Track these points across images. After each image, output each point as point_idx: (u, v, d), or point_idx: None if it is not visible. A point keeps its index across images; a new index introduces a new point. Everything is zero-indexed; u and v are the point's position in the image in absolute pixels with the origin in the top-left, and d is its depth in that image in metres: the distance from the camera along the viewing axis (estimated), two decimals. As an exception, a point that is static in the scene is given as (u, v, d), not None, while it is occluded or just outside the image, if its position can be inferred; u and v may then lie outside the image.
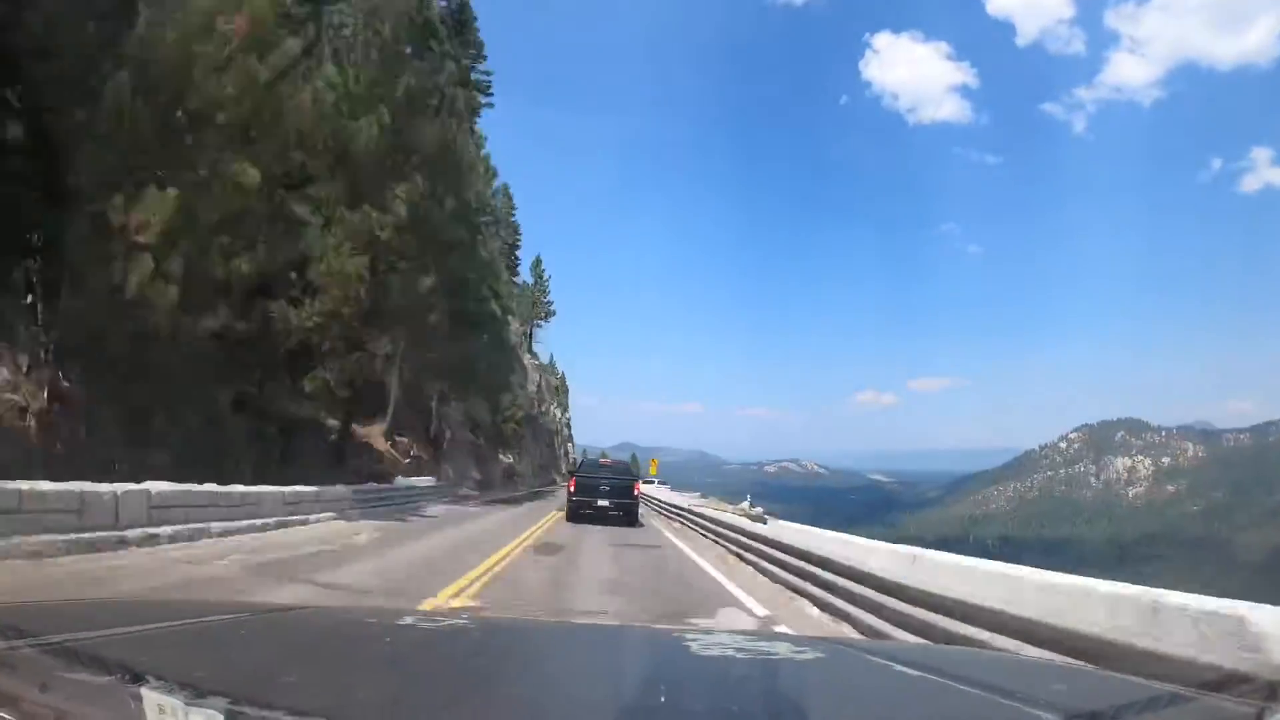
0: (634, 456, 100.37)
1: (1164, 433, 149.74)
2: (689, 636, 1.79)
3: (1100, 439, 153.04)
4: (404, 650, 1.49)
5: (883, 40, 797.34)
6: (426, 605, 5.83)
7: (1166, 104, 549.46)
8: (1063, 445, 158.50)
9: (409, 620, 1.93)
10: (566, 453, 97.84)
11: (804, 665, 1.53)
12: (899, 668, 1.49)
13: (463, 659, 1.45)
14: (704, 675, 1.44)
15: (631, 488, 17.38)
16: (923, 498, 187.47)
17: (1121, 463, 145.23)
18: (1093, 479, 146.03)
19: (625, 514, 16.55)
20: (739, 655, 1.55)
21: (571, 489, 16.95)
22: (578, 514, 16.23)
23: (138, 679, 0.88)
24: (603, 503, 16.33)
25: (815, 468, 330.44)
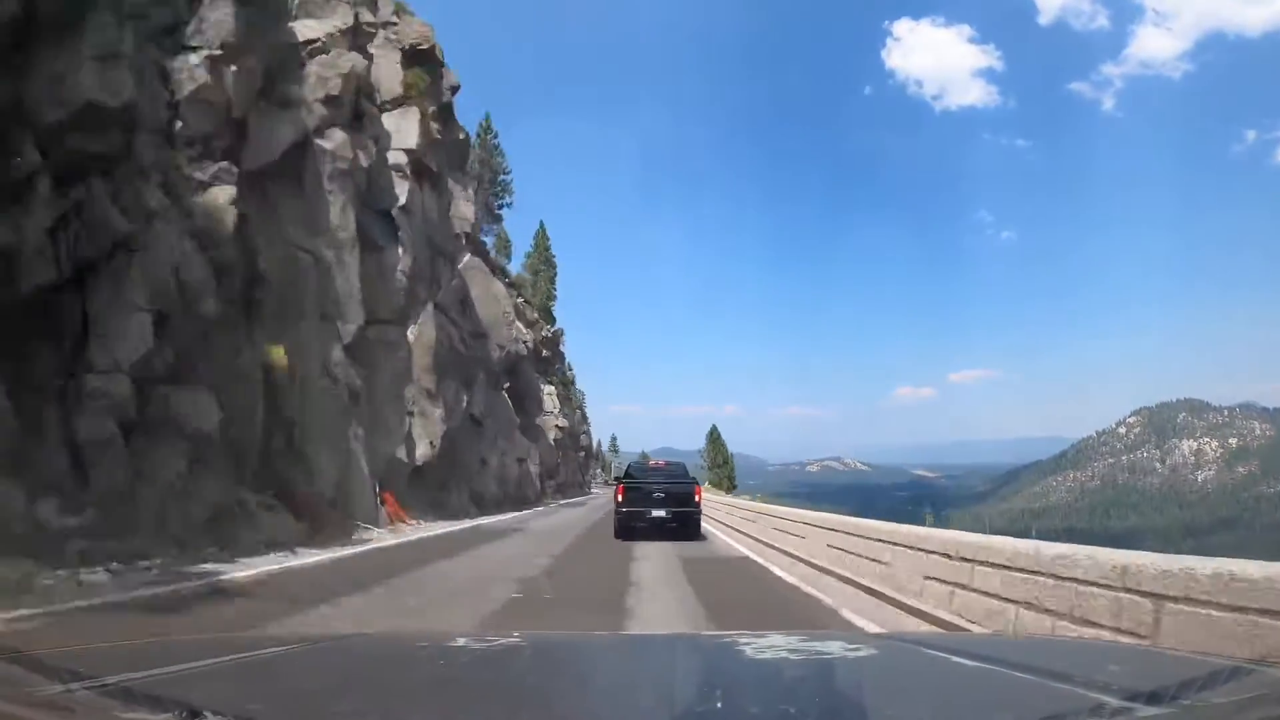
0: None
1: (1226, 412, 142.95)
2: (742, 641, 1.82)
3: (1160, 422, 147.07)
4: (456, 672, 1.51)
5: (903, 27, 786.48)
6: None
7: (1196, 76, 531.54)
8: (1121, 431, 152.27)
9: (461, 642, 1.92)
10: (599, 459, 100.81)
11: (859, 663, 1.57)
12: (955, 659, 1.51)
13: (516, 678, 1.47)
14: (758, 679, 1.46)
15: (692, 494, 15.02)
16: (971, 491, 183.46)
17: (1187, 445, 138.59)
18: (1158, 464, 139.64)
19: (684, 525, 14.34)
20: (793, 657, 1.63)
21: (619, 499, 14.52)
22: (629, 528, 14.03)
23: (195, 715, 0.91)
24: (658, 513, 14.14)
25: (858, 465, 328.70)
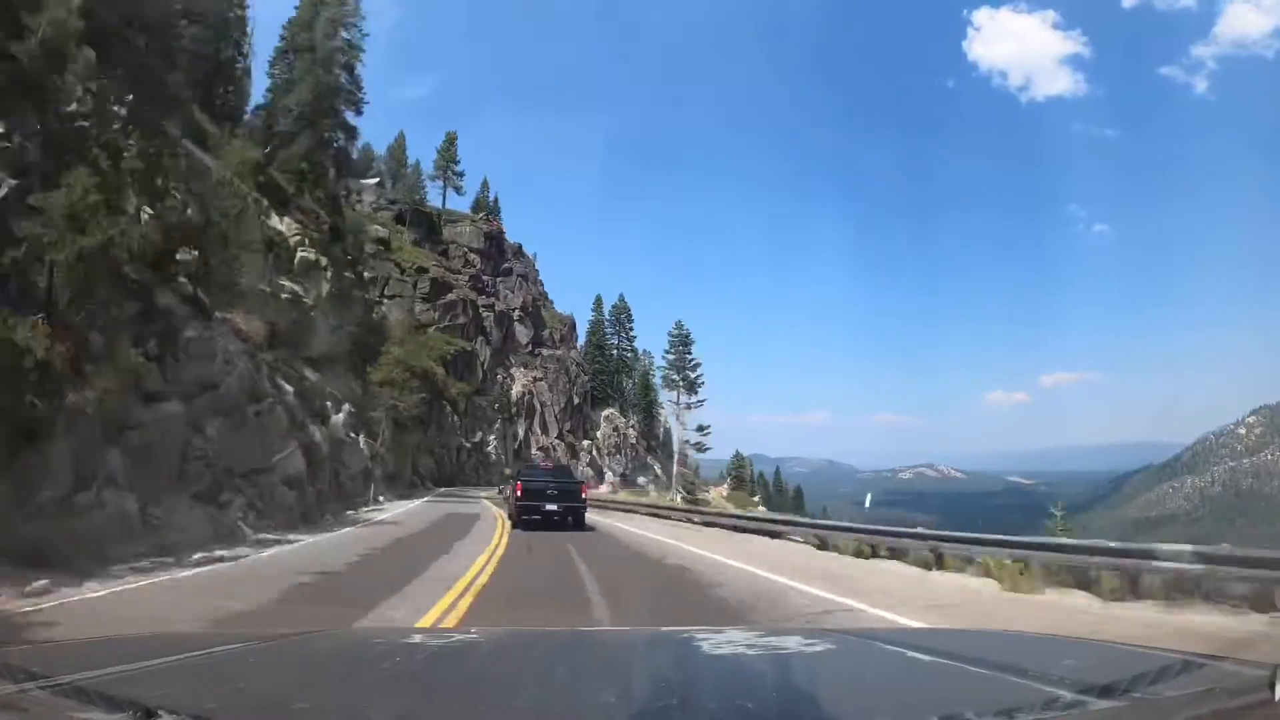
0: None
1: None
2: (700, 636, 1.85)
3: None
4: (415, 668, 1.49)
5: (983, 16, 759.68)
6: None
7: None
8: (1241, 432, 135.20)
9: (417, 638, 2.02)
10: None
11: (816, 657, 1.60)
12: (911, 654, 1.51)
13: (475, 673, 1.49)
14: (716, 674, 1.48)
15: (579, 491, 17.10)
16: (1073, 499, 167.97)
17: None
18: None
19: (572, 517, 16.20)
20: (750, 652, 1.66)
21: (518, 495, 16.19)
22: (526, 520, 15.64)
23: (149, 715, 0.90)
24: (551, 507, 15.94)
25: (951, 472, 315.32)
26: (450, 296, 69.20)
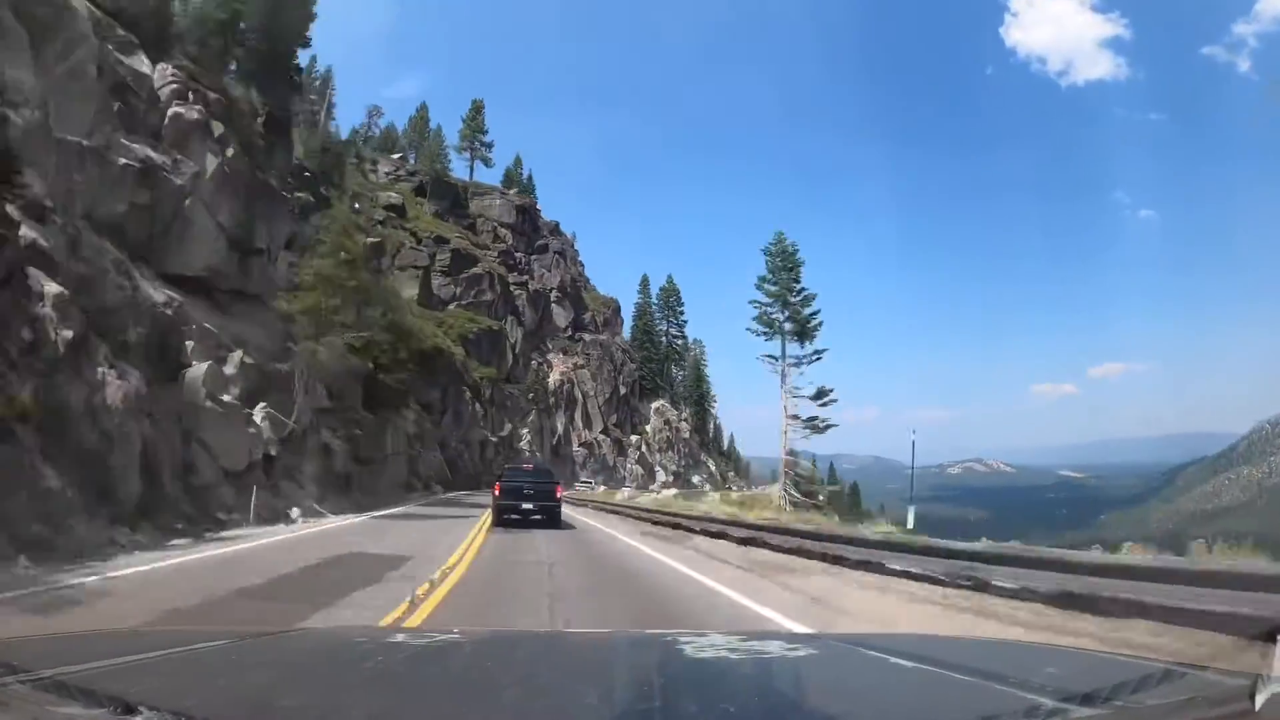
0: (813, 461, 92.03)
1: None
2: (682, 640, 1.81)
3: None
4: (397, 667, 1.46)
5: (1020, 1, 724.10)
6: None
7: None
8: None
9: (400, 638, 1.93)
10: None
11: (798, 662, 1.60)
12: (894, 660, 1.50)
13: (456, 673, 1.47)
14: (699, 677, 1.46)
15: (554, 491, 17.13)
16: (1126, 492, 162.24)
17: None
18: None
19: (547, 515, 16.31)
20: (733, 656, 1.64)
21: (496, 494, 16.81)
22: (503, 519, 15.97)
23: (130, 710, 0.89)
24: (527, 505, 16.18)
25: (1001, 466, 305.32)
26: (475, 270, 60.27)
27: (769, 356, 30.70)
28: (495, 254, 67.35)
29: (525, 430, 59.88)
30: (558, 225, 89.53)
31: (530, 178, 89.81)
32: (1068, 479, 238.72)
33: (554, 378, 68.71)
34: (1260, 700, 0.98)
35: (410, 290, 50.65)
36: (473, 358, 51.72)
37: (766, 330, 30.27)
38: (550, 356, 71.15)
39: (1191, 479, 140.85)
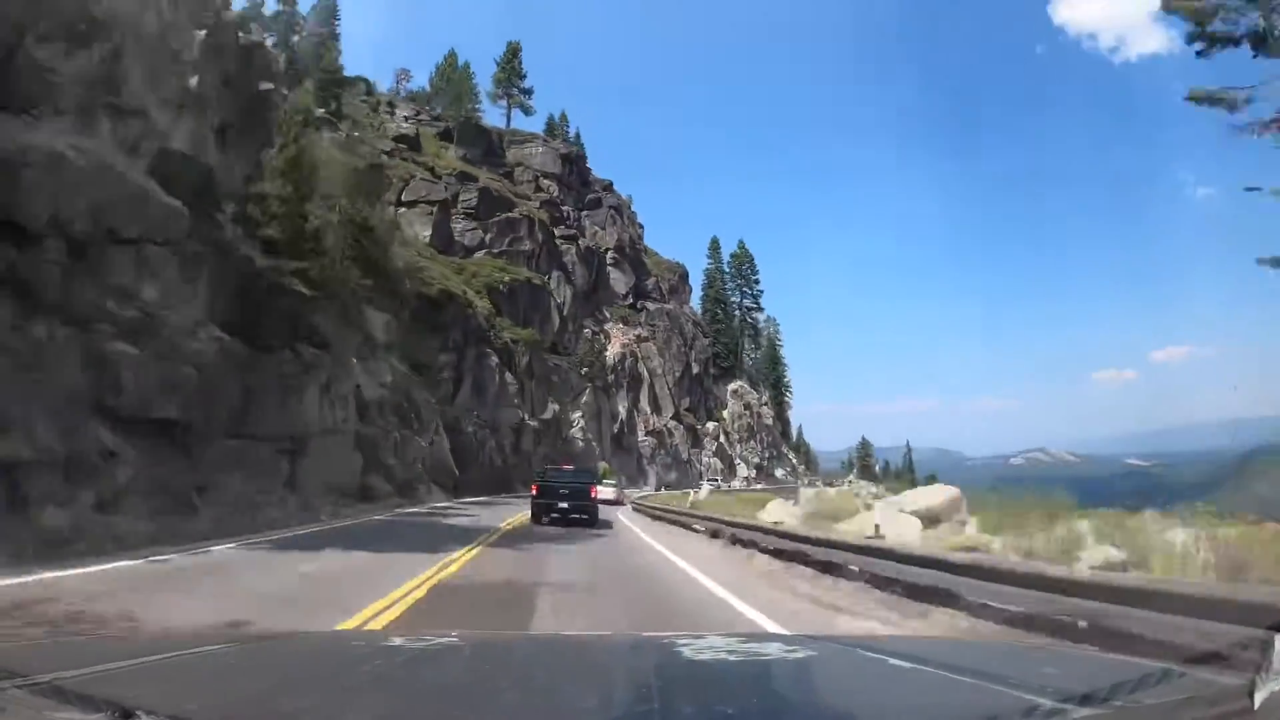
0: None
1: None
2: (681, 642, 1.81)
3: None
4: (395, 671, 1.46)
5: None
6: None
7: None
8: None
9: (397, 641, 1.90)
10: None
11: (797, 664, 1.60)
12: (893, 661, 1.51)
13: (455, 677, 1.46)
14: (697, 680, 1.45)
15: (588, 491, 17.55)
16: (1196, 480, 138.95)
17: None
18: None
19: (583, 514, 16.78)
20: (731, 658, 1.64)
21: (535, 493, 17.46)
22: (540, 517, 16.66)
23: (128, 715, 0.89)
24: (563, 504, 16.67)
25: (1066, 456, 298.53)
26: (510, 214, 47.93)
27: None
28: (537, 204, 55.03)
29: (578, 414, 47.11)
30: (611, 184, 76.86)
31: (578, 135, 77.35)
32: (1134, 468, 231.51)
33: (613, 350, 55.87)
34: (1259, 699, 0.97)
35: (421, 229, 38.47)
36: (504, 316, 39.34)
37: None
38: (608, 326, 58.41)
39: (1266, 464, 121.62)
